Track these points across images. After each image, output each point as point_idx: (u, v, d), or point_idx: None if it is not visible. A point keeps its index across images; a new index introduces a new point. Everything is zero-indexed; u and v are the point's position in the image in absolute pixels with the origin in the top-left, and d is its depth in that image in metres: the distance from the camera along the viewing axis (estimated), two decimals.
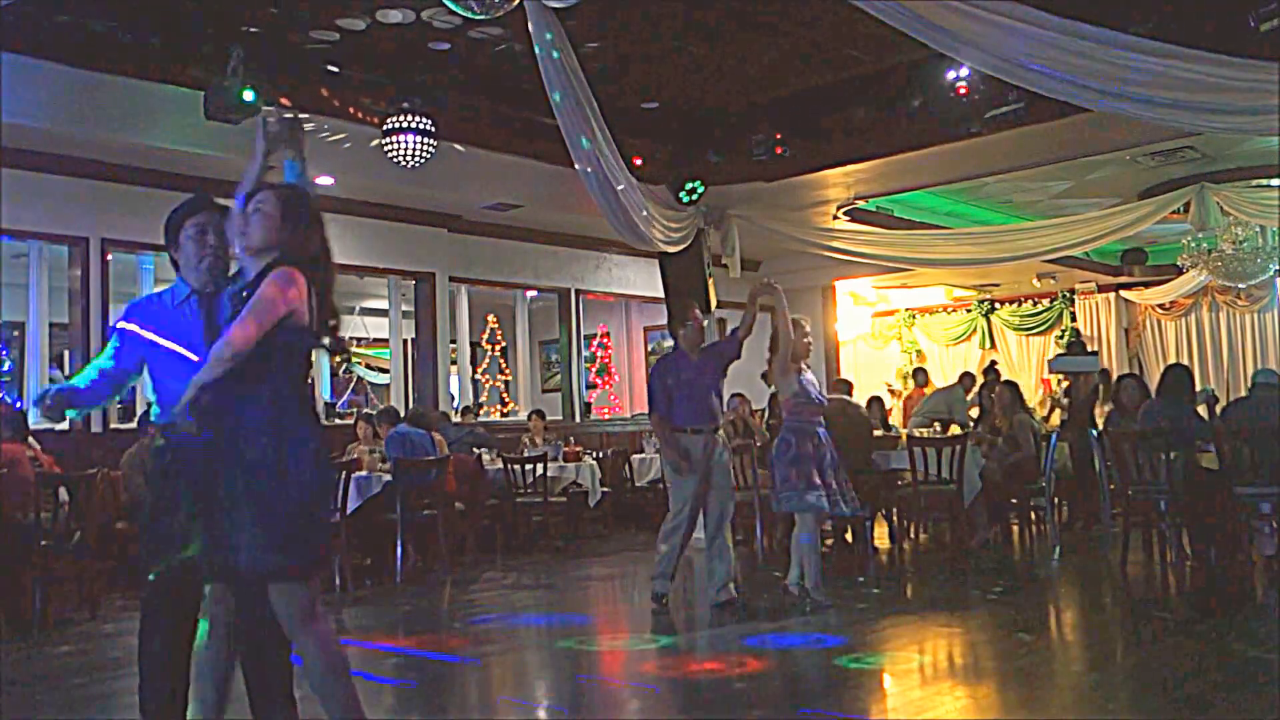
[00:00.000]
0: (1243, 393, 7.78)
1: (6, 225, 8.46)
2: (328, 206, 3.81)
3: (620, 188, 7.93)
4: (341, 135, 8.78)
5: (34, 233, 9.05)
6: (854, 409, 9.01)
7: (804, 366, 6.40)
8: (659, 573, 6.47)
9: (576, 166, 7.59)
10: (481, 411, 13.06)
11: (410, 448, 8.46)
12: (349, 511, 7.74)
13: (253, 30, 7.73)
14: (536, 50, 6.63)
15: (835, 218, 11.54)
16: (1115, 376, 10.28)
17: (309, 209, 3.29)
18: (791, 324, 6.35)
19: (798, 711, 4.36)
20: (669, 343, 8.89)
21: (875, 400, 11.12)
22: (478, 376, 14.44)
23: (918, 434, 9.37)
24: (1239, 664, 4.81)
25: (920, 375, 14.13)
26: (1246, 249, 12.10)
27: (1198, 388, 8.79)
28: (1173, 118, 6.07)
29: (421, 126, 8.46)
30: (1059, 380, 13.76)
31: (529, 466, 9.69)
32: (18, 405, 9.64)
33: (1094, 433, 8.63)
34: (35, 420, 7.27)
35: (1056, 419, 11.61)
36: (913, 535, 9.73)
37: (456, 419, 11.09)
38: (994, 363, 14.99)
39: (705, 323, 6.60)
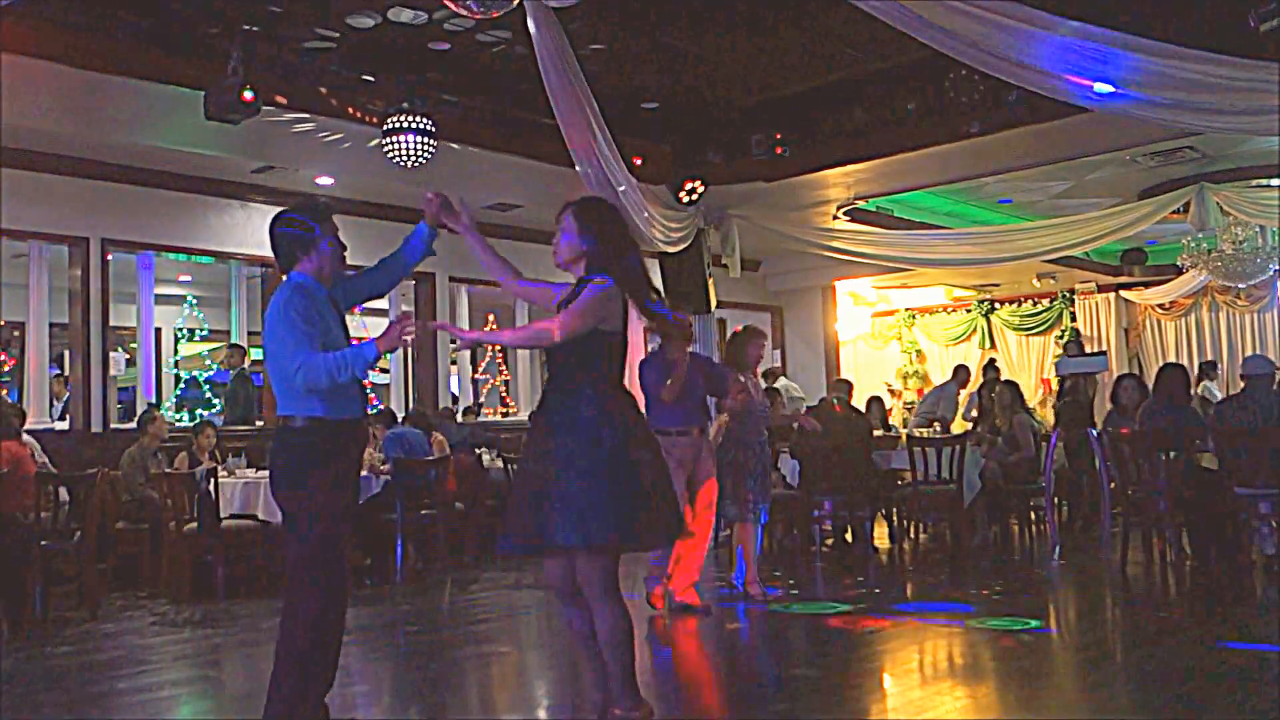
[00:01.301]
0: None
1: (6, 225, 8.47)
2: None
3: (620, 188, 7.93)
4: (341, 135, 8.78)
5: (34, 233, 9.04)
6: (850, 412, 9.01)
7: (752, 375, 6.82)
8: (651, 574, 6.51)
9: (577, 167, 7.59)
10: (482, 411, 13.05)
11: (407, 448, 8.47)
12: None
13: (253, 30, 7.73)
14: (536, 50, 6.64)
15: (835, 218, 11.54)
16: (1114, 376, 10.25)
17: (610, 219, 3.80)
18: (745, 329, 6.94)
19: (797, 711, 4.36)
20: None
21: (875, 400, 11.11)
22: (478, 376, 14.42)
23: (918, 434, 9.36)
24: (1239, 663, 4.80)
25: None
26: (1246, 249, 12.08)
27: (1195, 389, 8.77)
28: (1173, 118, 6.08)
29: (421, 126, 8.45)
30: (1057, 381, 13.74)
31: None
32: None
33: (1094, 432, 8.62)
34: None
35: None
36: (913, 535, 9.72)
37: (460, 418, 11.08)
38: (992, 360, 14.90)
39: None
